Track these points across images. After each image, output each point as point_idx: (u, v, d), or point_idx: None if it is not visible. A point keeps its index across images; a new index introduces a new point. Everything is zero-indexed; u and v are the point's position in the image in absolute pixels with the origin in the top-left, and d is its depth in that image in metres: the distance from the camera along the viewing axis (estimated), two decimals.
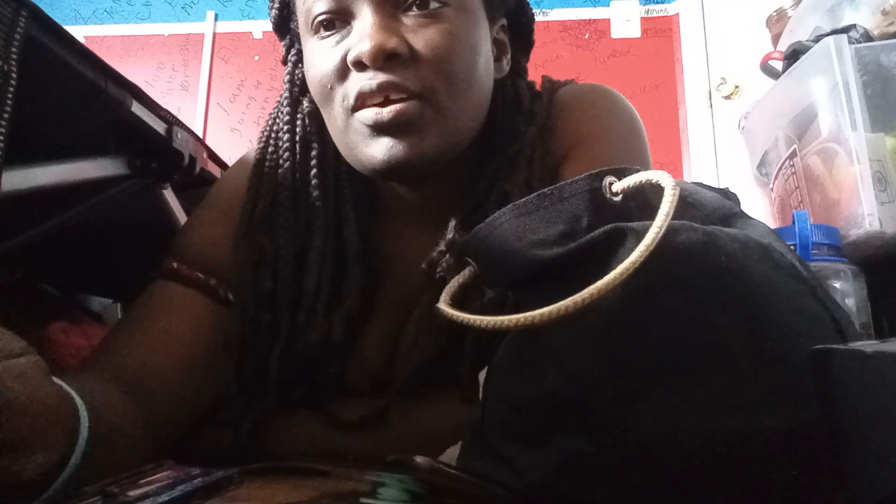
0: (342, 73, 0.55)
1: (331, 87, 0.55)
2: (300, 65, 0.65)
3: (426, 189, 0.62)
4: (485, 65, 0.58)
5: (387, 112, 0.52)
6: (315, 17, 0.55)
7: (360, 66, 0.53)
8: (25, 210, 0.66)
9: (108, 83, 0.67)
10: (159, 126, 0.79)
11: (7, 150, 0.51)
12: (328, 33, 0.55)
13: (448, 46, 0.54)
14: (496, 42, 0.62)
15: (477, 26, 0.58)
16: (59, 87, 0.63)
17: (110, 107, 0.69)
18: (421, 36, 0.53)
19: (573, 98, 0.66)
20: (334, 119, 0.57)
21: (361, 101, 0.53)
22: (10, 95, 0.51)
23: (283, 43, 0.67)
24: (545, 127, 0.63)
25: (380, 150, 0.53)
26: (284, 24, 0.65)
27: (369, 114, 0.53)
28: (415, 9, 0.54)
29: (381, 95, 0.52)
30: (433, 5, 0.54)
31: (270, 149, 0.64)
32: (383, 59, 0.52)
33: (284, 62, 0.67)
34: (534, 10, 0.70)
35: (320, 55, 0.56)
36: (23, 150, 0.59)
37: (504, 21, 0.64)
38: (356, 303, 0.60)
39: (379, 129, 0.53)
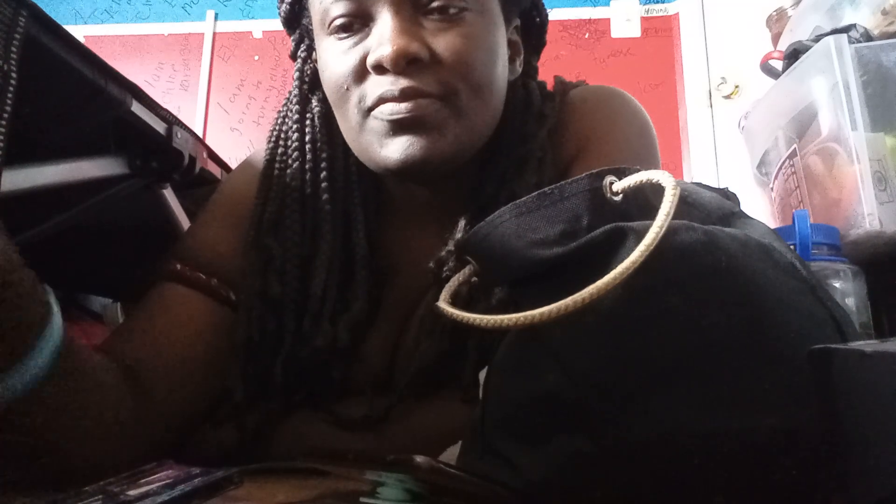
0: (360, 75, 0.54)
1: (347, 89, 0.55)
2: (310, 61, 0.65)
3: (436, 189, 0.62)
4: (502, 68, 0.58)
5: (404, 107, 0.52)
6: (332, 19, 0.55)
7: (380, 69, 0.53)
8: (25, 210, 0.66)
9: (108, 83, 0.67)
10: (159, 126, 0.79)
11: (7, 150, 0.51)
12: (345, 35, 0.55)
13: (468, 50, 0.54)
14: (510, 43, 0.62)
15: (496, 29, 0.57)
16: (59, 87, 0.63)
17: (110, 107, 0.69)
18: (441, 40, 0.53)
19: (583, 100, 0.65)
20: (349, 120, 0.57)
21: (380, 102, 0.53)
22: (10, 95, 0.51)
23: (291, 38, 0.67)
24: (555, 130, 0.63)
25: (396, 148, 0.53)
26: (295, 20, 0.65)
27: (386, 108, 0.53)
28: (435, 12, 0.54)
29: (401, 99, 0.52)
30: (453, 9, 0.54)
31: (280, 150, 0.64)
32: (404, 63, 0.51)
33: (293, 57, 0.67)
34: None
35: (336, 56, 0.55)
36: (23, 150, 0.59)
37: (518, 22, 0.64)
38: (363, 308, 0.60)
39: (396, 126, 0.53)
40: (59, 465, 0.48)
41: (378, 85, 0.53)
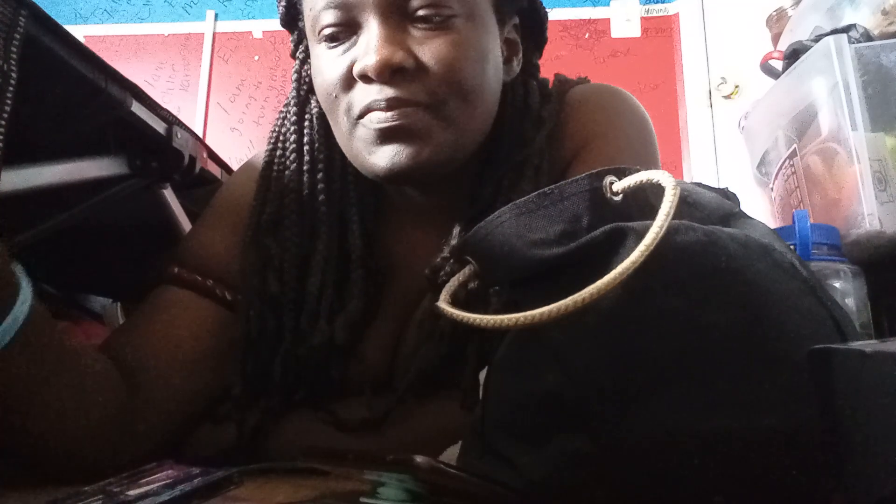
0: (347, 82, 0.54)
1: (336, 97, 0.55)
2: (308, 62, 0.65)
3: (431, 193, 0.62)
4: (493, 72, 0.58)
5: (390, 116, 0.52)
6: (322, 28, 0.55)
7: (366, 78, 0.53)
8: (25, 210, 0.66)
9: (108, 83, 0.67)
10: (159, 126, 0.79)
11: (7, 150, 0.51)
12: (334, 43, 0.55)
13: (456, 58, 0.53)
14: (507, 42, 0.62)
15: (486, 34, 0.57)
16: (59, 87, 0.63)
17: (110, 106, 0.69)
18: (428, 48, 0.53)
19: (583, 99, 0.65)
20: (339, 126, 0.57)
21: (368, 111, 0.53)
22: (9, 95, 0.51)
23: (291, 38, 0.67)
24: (554, 131, 0.62)
25: (383, 157, 0.53)
26: (292, 22, 0.65)
27: (374, 117, 0.53)
28: (422, 20, 0.53)
29: (387, 109, 0.53)
30: (440, 16, 0.53)
31: (278, 151, 0.64)
32: (389, 73, 0.51)
33: (293, 56, 0.67)
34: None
35: (326, 63, 0.56)
36: (23, 150, 0.59)
37: (516, 20, 0.64)
38: (359, 307, 0.60)
39: (383, 135, 0.53)
40: (53, 461, 0.49)
41: (365, 94, 0.53)
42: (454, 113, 0.54)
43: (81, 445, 0.50)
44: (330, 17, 0.54)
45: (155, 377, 0.56)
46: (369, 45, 0.52)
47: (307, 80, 0.65)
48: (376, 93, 0.52)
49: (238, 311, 0.61)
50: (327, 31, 0.55)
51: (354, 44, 0.54)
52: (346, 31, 0.55)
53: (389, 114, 0.52)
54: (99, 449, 0.51)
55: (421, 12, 0.53)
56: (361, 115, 0.54)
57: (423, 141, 0.53)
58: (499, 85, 0.60)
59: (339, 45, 0.55)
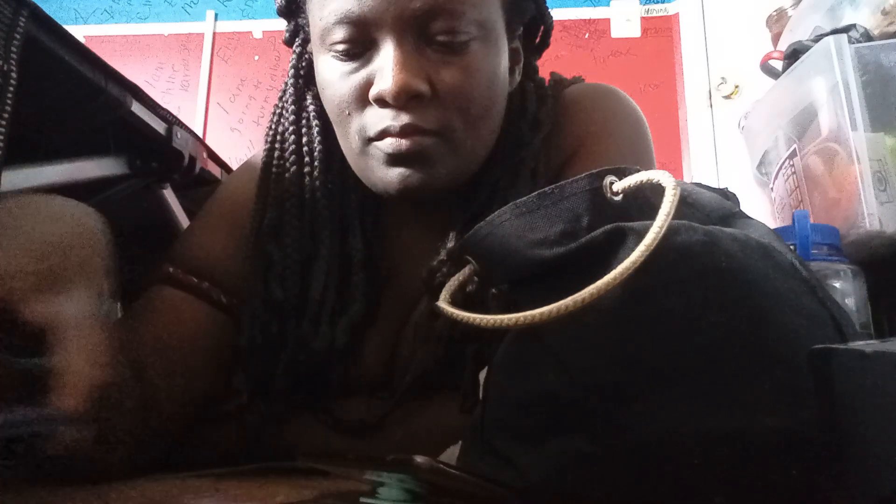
0: (361, 103, 0.54)
1: (349, 114, 0.55)
2: (305, 54, 0.65)
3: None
4: (501, 90, 0.58)
5: (404, 144, 0.53)
6: (333, 42, 0.54)
7: (382, 102, 0.53)
8: None
9: (108, 83, 0.67)
10: (159, 126, 0.79)
11: (7, 150, 0.51)
12: (345, 58, 0.54)
13: (470, 86, 0.54)
14: (511, 53, 0.61)
15: (498, 54, 0.57)
16: (59, 87, 0.63)
17: (110, 107, 0.69)
18: (444, 74, 0.53)
19: (578, 98, 0.65)
20: (349, 141, 0.57)
21: (382, 136, 0.53)
22: (10, 95, 0.51)
23: (286, 27, 0.66)
24: (550, 132, 0.62)
25: (395, 177, 0.54)
26: (291, 15, 0.64)
27: (387, 142, 0.53)
28: (439, 43, 0.53)
29: (402, 135, 0.53)
30: (459, 40, 0.53)
31: (276, 153, 0.63)
32: (406, 99, 0.51)
33: (289, 44, 0.66)
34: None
35: (337, 78, 0.55)
36: (23, 150, 0.59)
37: (520, 30, 0.63)
38: (360, 310, 0.60)
39: (395, 159, 0.53)
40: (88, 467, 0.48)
41: (379, 117, 0.53)
42: (464, 139, 0.55)
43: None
44: (343, 32, 0.53)
45: (152, 380, 0.55)
46: (386, 69, 0.52)
47: (304, 71, 0.64)
48: (391, 119, 0.52)
49: (234, 316, 0.60)
50: (339, 46, 0.54)
51: (368, 61, 0.54)
52: (358, 47, 0.54)
53: (403, 141, 0.53)
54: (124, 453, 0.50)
55: (440, 37, 0.53)
56: (375, 138, 0.54)
57: (432, 166, 0.54)
58: (505, 101, 0.60)
59: (350, 61, 0.54)
